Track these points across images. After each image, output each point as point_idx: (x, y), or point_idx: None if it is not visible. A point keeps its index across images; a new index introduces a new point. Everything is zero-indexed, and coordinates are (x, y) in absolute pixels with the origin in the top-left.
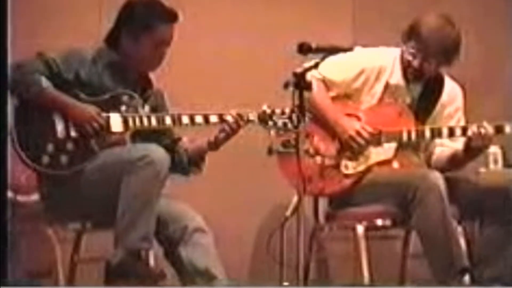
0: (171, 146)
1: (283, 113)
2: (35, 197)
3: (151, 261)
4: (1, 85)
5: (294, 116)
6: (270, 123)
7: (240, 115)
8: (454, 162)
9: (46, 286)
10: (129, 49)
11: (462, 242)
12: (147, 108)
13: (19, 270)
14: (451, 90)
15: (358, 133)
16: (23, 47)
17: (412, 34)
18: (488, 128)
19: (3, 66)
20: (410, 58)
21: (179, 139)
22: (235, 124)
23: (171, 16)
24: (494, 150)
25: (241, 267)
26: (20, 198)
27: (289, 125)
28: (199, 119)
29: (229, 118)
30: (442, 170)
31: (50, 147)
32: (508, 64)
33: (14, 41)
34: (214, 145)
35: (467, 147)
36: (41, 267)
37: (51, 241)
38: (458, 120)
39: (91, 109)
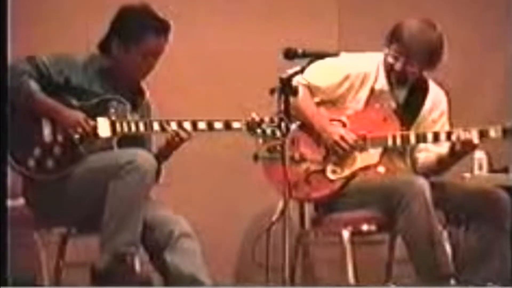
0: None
1: (272, 121)
2: (20, 201)
3: (137, 266)
4: (1, 86)
5: (282, 124)
6: (259, 131)
7: (227, 123)
8: (439, 166)
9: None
10: (119, 58)
11: (448, 247)
12: (136, 116)
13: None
14: (435, 95)
15: (343, 138)
16: (17, 51)
17: (394, 37)
18: (473, 133)
19: (3, 67)
20: (392, 61)
21: (149, 148)
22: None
23: (163, 27)
24: (479, 155)
25: (227, 272)
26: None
27: (278, 133)
28: (187, 125)
29: (201, 125)
30: (427, 175)
31: (36, 151)
32: (495, 67)
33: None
34: (162, 156)
35: (452, 151)
36: (26, 271)
37: (37, 245)
38: (442, 124)
39: (79, 115)
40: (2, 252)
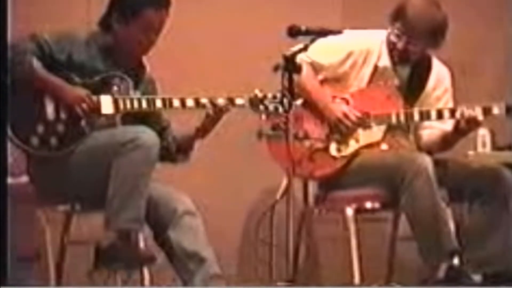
0: (159, 134)
1: (274, 97)
2: (24, 179)
3: (141, 244)
4: (2, 82)
5: (285, 100)
6: (261, 107)
7: (230, 99)
8: (444, 143)
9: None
10: (120, 33)
11: (451, 224)
12: (138, 93)
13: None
14: (439, 72)
15: (346, 115)
16: (17, 29)
17: (398, 15)
18: (477, 110)
19: (4, 46)
20: (395, 39)
21: (167, 126)
22: (220, 109)
23: (163, 1)
24: (482, 132)
25: (230, 249)
26: (9, 180)
27: (280, 109)
28: (190, 102)
29: (220, 101)
30: (431, 152)
31: (40, 129)
32: (497, 46)
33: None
34: (202, 132)
35: (456, 128)
36: (30, 249)
37: (41, 223)
38: (446, 101)
39: (81, 91)
40: (2, 252)
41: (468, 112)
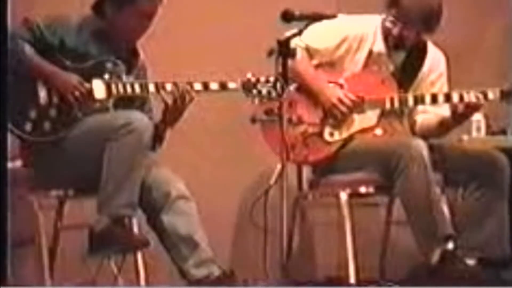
0: None
1: (267, 81)
2: (17, 163)
3: (135, 229)
4: (2, 79)
5: (278, 84)
6: (254, 91)
7: (223, 83)
8: (440, 128)
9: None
10: (113, 19)
11: (446, 209)
12: (131, 78)
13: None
14: (434, 57)
15: (341, 100)
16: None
17: (393, 2)
18: (471, 95)
19: (3, 61)
20: (390, 26)
21: (150, 110)
22: (182, 96)
23: None
24: (477, 117)
25: (224, 234)
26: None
27: (273, 93)
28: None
29: (196, 85)
30: (426, 137)
31: (33, 114)
32: (491, 31)
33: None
34: (167, 121)
35: (454, 114)
36: (24, 234)
37: (34, 208)
38: (441, 86)
39: (73, 78)
40: (2, 252)
41: (467, 97)
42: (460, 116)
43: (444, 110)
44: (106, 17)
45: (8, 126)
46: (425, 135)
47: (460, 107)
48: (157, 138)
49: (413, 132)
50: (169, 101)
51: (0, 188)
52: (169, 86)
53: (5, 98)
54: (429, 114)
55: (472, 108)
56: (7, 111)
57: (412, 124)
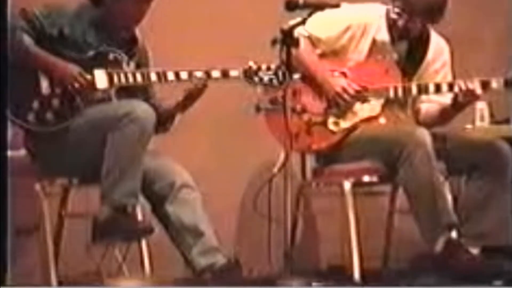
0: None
1: (268, 68)
2: (22, 152)
3: (139, 216)
4: (2, 76)
5: (279, 72)
6: (256, 79)
7: (224, 71)
8: (442, 117)
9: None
10: (111, 5)
11: (449, 198)
12: (132, 65)
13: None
14: (437, 45)
15: (345, 90)
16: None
17: None
18: (475, 84)
19: (3, 59)
20: (395, 17)
21: (152, 96)
22: (201, 82)
23: None
24: (481, 106)
25: (228, 223)
26: (8, 152)
27: (275, 81)
28: (184, 75)
29: (198, 74)
30: (429, 125)
31: (35, 104)
32: (495, 20)
33: None
34: (181, 107)
35: (455, 102)
36: (28, 222)
37: (39, 196)
38: (444, 75)
39: (74, 69)
40: (2, 252)
41: (466, 86)
42: (460, 104)
43: (447, 99)
44: (104, 5)
45: (8, 115)
46: (428, 124)
47: (460, 96)
48: (170, 119)
49: (417, 121)
50: (190, 87)
51: (0, 188)
52: (171, 75)
53: (4, 87)
54: (432, 103)
55: (472, 95)
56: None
57: (416, 113)
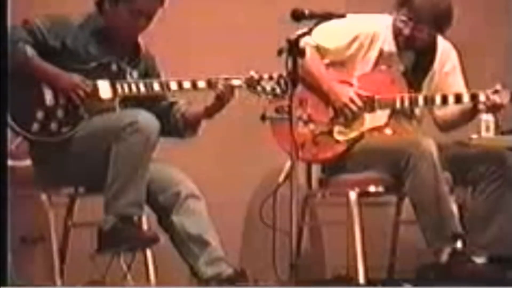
0: (167, 110)
1: (271, 78)
2: (27, 162)
3: (145, 226)
4: (2, 79)
5: (282, 81)
6: (259, 88)
7: (226, 81)
8: (463, 118)
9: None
10: (111, 15)
11: (455, 208)
12: (135, 74)
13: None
14: (443, 50)
15: (352, 100)
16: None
17: (404, 1)
18: (491, 95)
19: (3, 60)
20: (401, 26)
21: (175, 102)
22: (227, 91)
23: None
24: (486, 117)
25: (234, 233)
26: (12, 163)
27: (277, 90)
28: (187, 85)
29: (220, 86)
30: (451, 128)
31: (39, 115)
32: (500, 30)
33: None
34: (210, 112)
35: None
36: (34, 232)
37: (44, 206)
38: (455, 77)
39: (76, 78)
40: (2, 252)
41: (483, 96)
42: (479, 111)
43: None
44: (104, 13)
45: (8, 123)
46: (449, 125)
47: (482, 105)
48: (197, 124)
49: (437, 125)
50: (219, 94)
51: (0, 188)
52: (174, 85)
53: (5, 96)
54: (450, 106)
55: (497, 107)
56: (7, 109)
57: (434, 118)
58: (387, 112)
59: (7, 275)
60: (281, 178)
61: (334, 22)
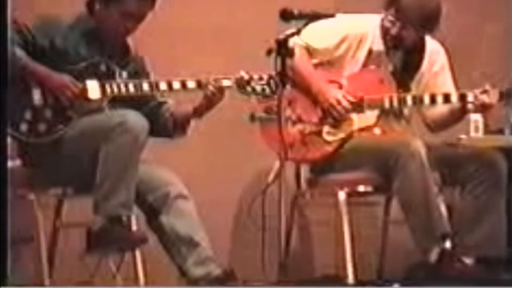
0: (156, 109)
1: (260, 78)
2: (16, 162)
3: (134, 226)
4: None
5: (272, 82)
6: (249, 88)
7: (216, 81)
8: (452, 118)
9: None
10: (100, 16)
11: (443, 208)
12: (125, 74)
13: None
14: (432, 50)
15: (339, 102)
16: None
17: (392, 1)
18: (479, 95)
19: (3, 63)
20: (389, 25)
21: (164, 102)
22: (217, 91)
23: None
24: (475, 117)
25: (223, 233)
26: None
27: (267, 91)
28: (176, 85)
29: (210, 86)
30: (441, 128)
31: (28, 115)
32: (489, 33)
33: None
34: (199, 112)
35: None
36: (23, 232)
37: (33, 207)
38: (445, 77)
39: (65, 78)
40: (2, 252)
41: (471, 97)
42: (468, 111)
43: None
44: (95, 14)
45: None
46: (439, 126)
47: (470, 105)
48: (186, 124)
49: (427, 126)
50: (209, 94)
51: (0, 188)
52: (163, 85)
53: (3, 98)
54: (439, 106)
55: (486, 107)
56: (6, 111)
57: (424, 118)
58: (376, 112)
59: (7, 275)
60: (270, 178)
61: (323, 22)
